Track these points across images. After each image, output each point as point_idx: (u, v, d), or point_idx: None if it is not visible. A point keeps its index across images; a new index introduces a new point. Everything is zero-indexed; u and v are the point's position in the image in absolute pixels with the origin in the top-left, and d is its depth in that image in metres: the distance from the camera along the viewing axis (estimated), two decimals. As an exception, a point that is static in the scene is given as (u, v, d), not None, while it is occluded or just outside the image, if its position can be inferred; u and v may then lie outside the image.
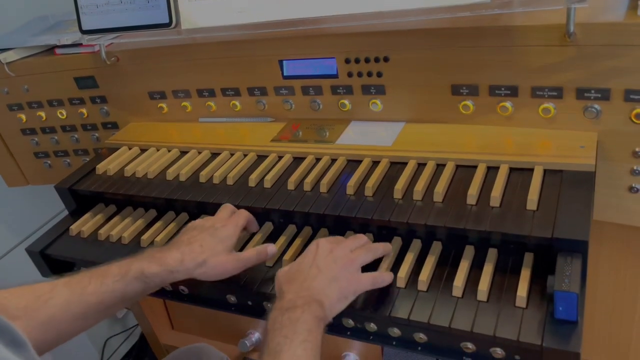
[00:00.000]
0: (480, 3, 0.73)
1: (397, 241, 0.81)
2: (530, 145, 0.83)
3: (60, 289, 0.71)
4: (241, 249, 0.85)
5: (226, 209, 0.84)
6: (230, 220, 0.81)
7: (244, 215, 0.83)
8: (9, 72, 1.21)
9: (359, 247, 0.74)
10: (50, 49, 1.22)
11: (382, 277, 0.73)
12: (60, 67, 1.19)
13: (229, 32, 0.98)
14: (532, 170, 0.78)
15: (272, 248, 0.80)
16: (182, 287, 0.89)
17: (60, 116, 1.26)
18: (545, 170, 0.78)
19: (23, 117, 1.29)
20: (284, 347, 0.61)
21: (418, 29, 0.87)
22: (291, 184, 0.88)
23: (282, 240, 0.86)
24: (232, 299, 0.84)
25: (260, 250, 0.79)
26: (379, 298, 0.73)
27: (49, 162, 1.36)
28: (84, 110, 1.24)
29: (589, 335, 1.06)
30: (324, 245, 0.72)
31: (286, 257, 0.82)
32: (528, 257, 0.72)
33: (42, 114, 1.27)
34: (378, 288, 0.73)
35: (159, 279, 0.75)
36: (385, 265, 0.76)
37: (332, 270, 0.69)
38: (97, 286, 0.72)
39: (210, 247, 0.76)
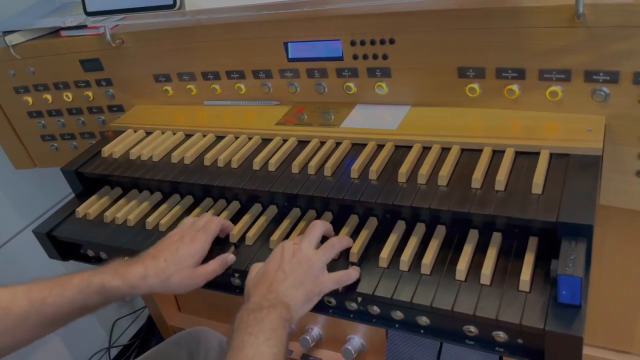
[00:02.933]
0: (487, -17, 0.72)
1: (401, 225, 0.80)
2: (537, 129, 0.82)
3: (19, 299, 0.71)
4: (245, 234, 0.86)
5: (204, 218, 0.85)
6: (201, 233, 0.81)
7: (215, 224, 0.83)
8: (14, 55, 1.21)
9: (323, 246, 0.75)
10: (56, 31, 1.22)
11: (347, 276, 0.73)
12: (65, 50, 1.19)
13: (233, 13, 0.97)
14: (538, 154, 0.78)
15: (231, 257, 0.82)
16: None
17: (66, 99, 1.26)
18: (551, 154, 0.77)
19: (29, 99, 1.29)
20: (248, 343, 0.61)
21: (424, 11, 0.85)
22: (295, 167, 0.88)
23: (286, 223, 0.86)
24: (236, 281, 0.85)
25: (222, 263, 0.81)
26: (382, 281, 0.73)
27: (55, 145, 1.37)
28: (90, 93, 1.24)
29: (592, 321, 1.05)
30: (289, 248, 0.73)
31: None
32: (532, 242, 0.72)
33: (48, 96, 1.27)
34: (381, 273, 0.74)
35: (120, 293, 0.75)
36: (389, 246, 0.76)
37: (298, 275, 0.70)
38: (56, 298, 0.72)
39: (174, 261, 0.77)
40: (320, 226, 0.78)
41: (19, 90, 1.29)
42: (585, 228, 0.64)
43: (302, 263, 0.72)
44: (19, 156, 1.42)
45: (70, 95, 1.26)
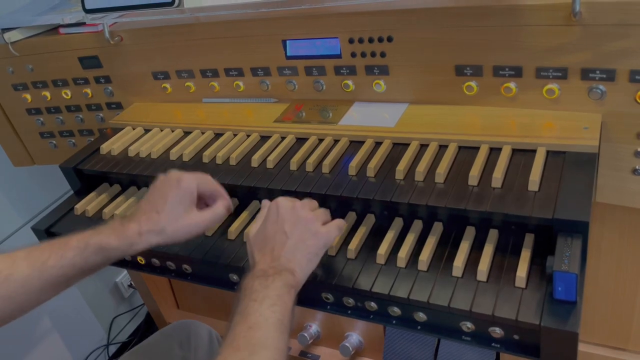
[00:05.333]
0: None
1: (398, 222, 0.81)
2: (534, 127, 0.82)
3: (20, 263, 0.71)
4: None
5: (174, 174, 0.79)
6: (180, 180, 0.76)
7: (195, 178, 0.78)
8: (13, 52, 1.21)
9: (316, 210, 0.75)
10: (55, 29, 1.22)
11: (342, 222, 0.74)
12: (64, 47, 1.19)
13: (232, 10, 0.97)
14: (534, 151, 0.78)
15: (229, 203, 0.80)
16: (185, 266, 0.90)
17: (65, 96, 1.27)
18: (548, 152, 0.78)
19: (28, 97, 1.30)
20: (252, 309, 0.62)
21: (422, 8, 0.86)
22: (294, 164, 0.89)
23: (284, 220, 0.86)
24: (234, 277, 0.85)
25: (216, 211, 0.77)
26: (379, 277, 0.73)
27: (54, 142, 1.37)
28: (89, 90, 1.24)
29: (589, 317, 1.06)
30: (284, 205, 0.72)
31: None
32: (529, 238, 0.72)
33: (47, 93, 1.28)
34: (378, 269, 0.74)
35: (119, 252, 0.74)
36: (386, 243, 0.76)
37: (298, 233, 0.70)
38: (56, 260, 0.71)
39: (166, 211, 0.74)
40: (314, 202, 0.77)
41: (18, 88, 1.29)
42: (580, 225, 0.65)
43: (300, 219, 0.71)
44: (17, 153, 1.42)
45: (69, 93, 1.26)
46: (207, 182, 0.79)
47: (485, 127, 0.85)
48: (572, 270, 0.61)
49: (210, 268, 0.87)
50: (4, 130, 1.38)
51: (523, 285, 0.67)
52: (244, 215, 0.89)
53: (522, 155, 0.79)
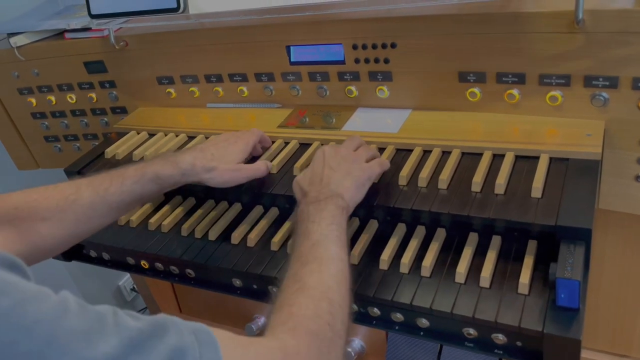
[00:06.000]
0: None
1: (402, 227, 0.81)
2: (537, 134, 0.82)
3: (84, 189, 0.77)
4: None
5: (250, 132, 0.93)
6: (242, 137, 0.89)
7: (255, 133, 0.92)
8: (18, 56, 1.22)
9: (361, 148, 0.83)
10: (60, 33, 1.23)
11: (386, 161, 0.82)
12: (69, 52, 1.20)
13: (236, 17, 0.98)
14: (537, 158, 0.78)
15: (269, 163, 0.90)
16: (188, 271, 0.90)
17: (70, 100, 1.27)
18: (551, 159, 0.78)
19: (33, 101, 1.30)
20: (312, 229, 0.67)
21: (425, 15, 0.86)
22: (297, 169, 0.89)
23: (287, 225, 0.87)
24: (237, 282, 0.85)
25: (265, 165, 0.88)
26: (382, 283, 0.74)
27: (59, 146, 1.38)
28: (93, 95, 1.25)
29: (592, 324, 1.06)
30: (329, 150, 0.79)
31: (291, 242, 0.83)
32: (531, 245, 0.72)
33: (52, 98, 1.28)
34: (381, 275, 0.75)
35: (173, 180, 0.81)
36: (389, 249, 0.77)
37: (344, 167, 0.76)
38: (117, 187, 0.78)
39: (219, 157, 0.84)
40: (356, 139, 0.84)
41: (23, 92, 1.30)
42: (583, 232, 0.65)
43: (345, 158, 0.78)
44: (22, 157, 1.43)
45: (74, 97, 1.27)
46: (263, 141, 0.95)
47: (488, 134, 0.85)
48: (575, 277, 0.61)
49: (213, 273, 0.87)
50: (9, 134, 1.39)
51: (526, 291, 0.67)
52: (248, 220, 0.90)
53: (525, 162, 0.79)
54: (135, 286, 1.96)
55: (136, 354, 0.43)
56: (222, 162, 0.83)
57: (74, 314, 0.44)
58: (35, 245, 0.74)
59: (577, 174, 0.74)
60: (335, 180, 0.74)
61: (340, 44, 0.95)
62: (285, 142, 0.97)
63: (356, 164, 0.77)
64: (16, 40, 1.21)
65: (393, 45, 0.91)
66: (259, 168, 0.87)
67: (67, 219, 0.75)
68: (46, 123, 1.34)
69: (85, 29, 1.16)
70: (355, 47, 0.94)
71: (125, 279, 2.01)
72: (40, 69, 1.25)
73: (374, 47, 0.92)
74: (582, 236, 0.65)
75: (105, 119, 1.28)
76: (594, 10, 0.74)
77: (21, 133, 1.39)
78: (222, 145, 0.86)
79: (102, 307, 0.47)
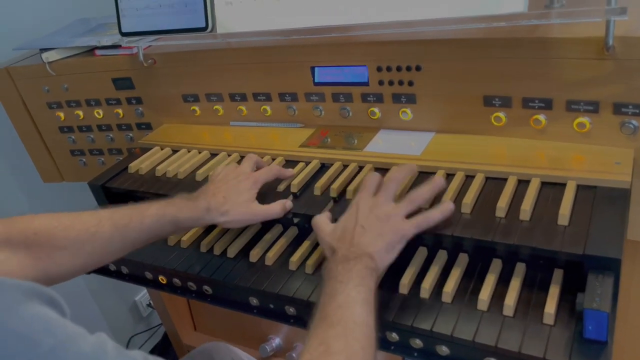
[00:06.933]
0: (516, 13, 0.72)
1: (423, 251, 0.80)
2: (564, 160, 0.81)
3: (104, 223, 0.78)
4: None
5: (249, 160, 0.93)
6: (250, 176, 0.89)
7: (265, 173, 0.90)
8: (50, 71, 1.25)
9: (403, 200, 0.76)
10: (91, 50, 1.26)
11: (427, 219, 0.74)
12: (99, 68, 1.23)
13: (262, 37, 0.99)
14: (564, 185, 0.76)
15: (289, 203, 0.87)
16: (206, 287, 0.90)
17: (97, 115, 1.30)
18: (578, 186, 0.76)
19: (61, 115, 1.33)
20: (339, 290, 0.66)
21: (451, 39, 0.86)
22: (317, 189, 0.89)
23: (306, 245, 0.86)
24: (254, 301, 0.85)
25: (282, 206, 0.86)
26: (401, 308, 0.72)
27: (84, 160, 1.40)
28: (120, 111, 1.27)
29: (618, 357, 1.02)
30: (364, 204, 0.75)
31: (309, 262, 0.82)
32: (557, 274, 0.70)
33: (80, 112, 1.31)
34: (401, 300, 0.73)
35: (190, 223, 0.84)
36: (410, 273, 0.75)
37: (377, 228, 0.73)
38: (136, 224, 0.80)
39: (232, 199, 0.84)
40: (398, 180, 0.79)
41: (52, 106, 1.33)
42: (613, 262, 0.63)
43: (380, 218, 0.74)
44: (48, 170, 1.46)
45: (101, 112, 1.29)
46: (274, 176, 0.92)
47: (514, 159, 0.84)
48: (604, 309, 0.59)
49: (231, 290, 0.87)
50: (37, 146, 1.42)
51: (551, 322, 0.65)
52: (267, 238, 0.89)
53: (551, 189, 0.78)
54: (151, 302, 1.96)
55: None
56: (235, 204, 0.84)
57: (111, 356, 0.44)
58: (47, 273, 0.74)
59: (605, 203, 0.72)
60: (365, 240, 0.72)
61: (365, 65, 0.95)
62: (306, 162, 0.97)
63: (390, 223, 0.73)
64: (48, 56, 1.24)
65: (418, 68, 0.91)
66: (274, 210, 0.86)
67: (84, 250, 0.76)
68: (73, 137, 1.37)
69: (115, 47, 1.19)
70: (379, 69, 0.94)
71: (142, 295, 2.01)
72: (70, 84, 1.28)
73: (399, 69, 0.92)
74: (611, 266, 0.63)
75: (131, 134, 1.30)
76: (625, 37, 0.73)
77: (48, 146, 1.42)
78: (233, 184, 0.86)
79: (134, 352, 0.47)
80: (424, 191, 0.77)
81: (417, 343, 0.71)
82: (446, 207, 0.74)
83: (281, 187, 0.92)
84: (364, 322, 0.63)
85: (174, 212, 0.82)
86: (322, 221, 0.78)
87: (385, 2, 0.83)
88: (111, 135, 1.32)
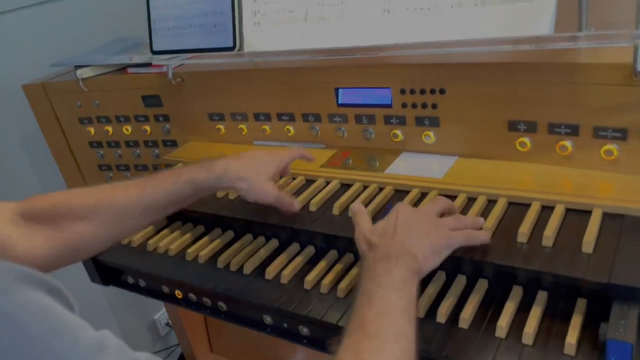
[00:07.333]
0: (542, 36, 0.72)
1: (441, 276, 0.78)
2: (590, 187, 0.79)
3: (120, 190, 0.79)
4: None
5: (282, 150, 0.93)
6: (275, 154, 0.90)
7: (288, 152, 0.92)
8: (83, 87, 1.29)
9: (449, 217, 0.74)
10: (123, 68, 1.30)
11: (476, 235, 0.71)
12: (129, 85, 1.26)
13: (287, 56, 1.00)
14: (589, 212, 0.74)
15: (298, 205, 0.89)
16: (220, 304, 0.89)
17: (125, 132, 1.33)
18: (604, 214, 0.74)
19: (92, 130, 1.37)
20: (379, 294, 0.61)
21: (476, 63, 0.86)
22: (336, 209, 0.88)
23: (322, 264, 0.85)
24: (267, 319, 0.84)
25: (290, 197, 0.88)
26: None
27: (111, 175, 1.43)
28: (148, 127, 1.30)
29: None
30: (405, 209, 0.72)
31: (325, 281, 0.81)
32: (581, 303, 0.67)
33: (109, 128, 1.34)
34: (421, 316, 0.70)
35: (208, 184, 0.83)
36: (426, 296, 0.73)
37: (421, 228, 0.69)
38: (152, 188, 0.80)
39: (252, 167, 0.85)
40: (440, 203, 0.75)
41: (84, 121, 1.37)
42: (639, 292, 0.60)
43: (423, 219, 0.70)
44: (76, 184, 1.49)
45: (129, 128, 1.32)
46: (297, 156, 0.94)
47: (538, 184, 0.82)
48: (628, 340, 0.56)
49: (245, 307, 0.86)
50: (67, 160, 1.45)
51: (573, 352, 0.62)
52: (282, 258, 0.89)
53: (576, 216, 0.75)
54: (169, 321, 1.96)
55: None
56: (254, 173, 0.84)
57: (112, 353, 0.43)
58: (73, 245, 0.76)
59: (633, 232, 0.69)
60: (410, 238, 0.67)
61: (389, 88, 0.95)
62: (326, 182, 0.97)
63: (436, 228, 0.69)
64: (82, 72, 1.29)
65: (442, 91, 0.90)
66: (285, 200, 0.87)
67: (104, 217, 0.77)
68: (101, 152, 1.40)
69: (146, 65, 1.22)
70: (403, 91, 0.94)
71: (161, 313, 2.01)
72: (101, 101, 1.31)
73: (422, 92, 0.92)
74: (637, 296, 0.60)
75: (157, 151, 1.32)
76: (654, 62, 0.71)
77: (77, 160, 1.45)
78: (258, 158, 0.87)
79: (143, 354, 0.46)
80: (469, 218, 0.75)
81: (432, 369, 0.69)
82: (485, 234, 0.72)
83: (298, 206, 0.91)
84: (405, 336, 0.58)
85: (191, 173, 0.82)
86: (362, 214, 0.74)
87: (412, 24, 0.83)
88: (138, 151, 1.35)
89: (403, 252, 0.65)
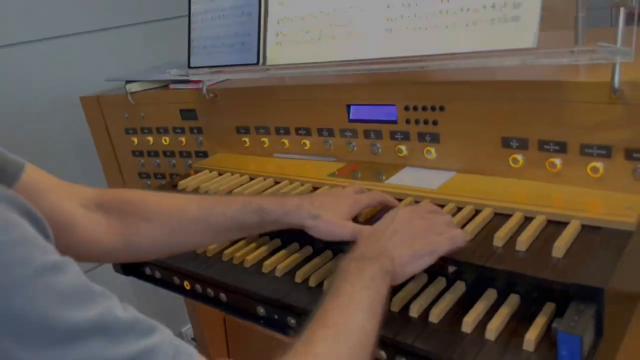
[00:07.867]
0: (524, 49, 0.76)
1: (423, 276, 0.81)
2: (574, 202, 0.80)
3: (192, 203, 0.81)
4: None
5: (354, 186, 0.90)
6: (352, 196, 0.85)
7: (367, 197, 0.87)
8: (130, 101, 1.44)
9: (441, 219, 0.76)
10: (166, 85, 1.43)
11: (461, 235, 0.73)
12: (170, 100, 1.39)
13: (307, 69, 1.06)
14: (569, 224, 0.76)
15: None
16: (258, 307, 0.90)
17: (163, 142, 1.45)
18: (583, 226, 0.75)
19: (135, 140, 1.50)
20: (344, 289, 0.63)
21: (472, 81, 0.91)
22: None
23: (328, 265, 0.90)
24: (291, 321, 0.85)
25: (357, 230, 0.81)
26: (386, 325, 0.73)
27: (149, 182, 1.55)
28: (183, 139, 1.41)
29: None
30: (402, 214, 0.75)
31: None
32: (548, 307, 0.69)
33: (150, 139, 1.47)
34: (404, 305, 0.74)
35: (275, 216, 0.81)
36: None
37: (408, 233, 0.71)
38: (221, 209, 0.81)
39: (327, 207, 0.81)
40: (430, 205, 0.80)
41: (129, 132, 1.51)
42: (596, 291, 0.62)
43: (414, 226, 0.72)
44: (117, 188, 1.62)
45: (167, 140, 1.44)
46: (377, 202, 0.88)
47: (524, 197, 0.84)
48: (578, 333, 0.58)
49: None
50: (112, 167, 1.59)
51: (531, 348, 0.64)
52: (290, 258, 0.94)
53: (556, 227, 0.77)
54: (195, 336, 2.02)
55: (103, 334, 0.42)
56: (329, 212, 0.80)
57: (68, 276, 0.42)
58: (131, 242, 0.78)
59: (607, 242, 0.71)
60: (392, 242, 0.69)
61: (394, 105, 1.02)
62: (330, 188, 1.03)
63: (424, 234, 0.71)
64: (131, 87, 1.43)
65: (442, 108, 0.96)
66: (357, 231, 0.79)
67: (170, 225, 0.79)
68: (142, 161, 1.53)
69: (186, 81, 1.35)
70: (407, 108, 1.00)
71: (188, 327, 2.08)
72: (145, 113, 1.45)
73: (424, 109, 0.98)
74: (595, 296, 0.62)
75: (189, 161, 1.43)
76: (634, 81, 0.74)
77: (121, 168, 1.59)
78: (331, 198, 0.84)
79: (105, 290, 0.46)
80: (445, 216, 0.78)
81: None
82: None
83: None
84: (361, 328, 0.59)
85: (260, 203, 0.81)
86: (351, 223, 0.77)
87: (410, 42, 0.89)
88: (173, 161, 1.46)
89: (379, 253, 0.68)
